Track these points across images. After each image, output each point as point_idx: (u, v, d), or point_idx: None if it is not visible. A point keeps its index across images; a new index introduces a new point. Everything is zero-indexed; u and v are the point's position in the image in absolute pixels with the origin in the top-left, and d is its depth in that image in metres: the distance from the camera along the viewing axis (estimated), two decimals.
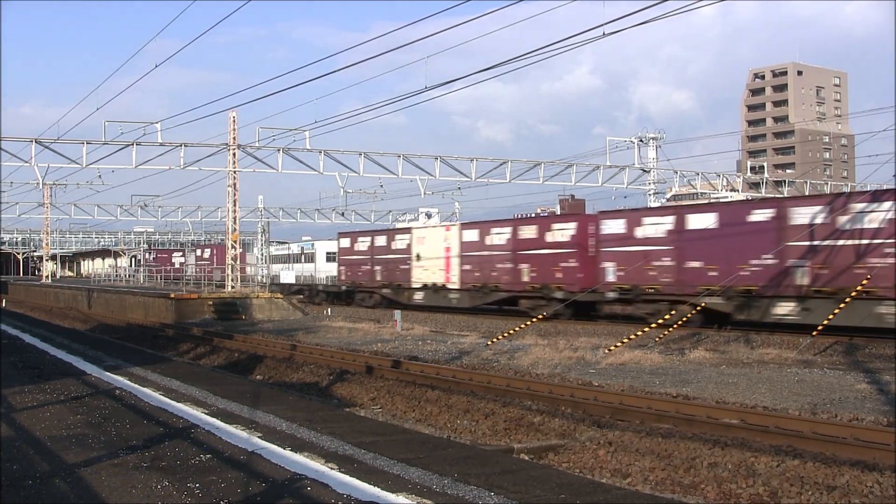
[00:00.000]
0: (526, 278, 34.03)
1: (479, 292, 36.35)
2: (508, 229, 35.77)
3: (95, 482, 6.86)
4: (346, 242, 48.42)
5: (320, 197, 78.32)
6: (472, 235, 37.74)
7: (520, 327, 25.30)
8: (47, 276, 78.30)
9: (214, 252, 70.85)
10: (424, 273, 40.42)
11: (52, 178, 47.72)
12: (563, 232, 32.96)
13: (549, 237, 33.44)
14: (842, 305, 21.95)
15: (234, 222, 41.40)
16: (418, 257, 40.98)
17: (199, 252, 75.73)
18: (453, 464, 7.66)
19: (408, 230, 43.43)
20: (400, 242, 42.94)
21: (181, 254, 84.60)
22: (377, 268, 44.56)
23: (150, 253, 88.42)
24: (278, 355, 21.75)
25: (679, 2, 14.28)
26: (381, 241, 44.76)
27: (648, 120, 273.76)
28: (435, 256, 39.72)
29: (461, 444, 10.66)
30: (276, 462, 7.57)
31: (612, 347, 20.26)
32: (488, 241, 36.50)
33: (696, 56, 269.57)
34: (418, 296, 40.76)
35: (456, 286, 38.21)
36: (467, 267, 37.54)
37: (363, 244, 46.24)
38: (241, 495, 6.51)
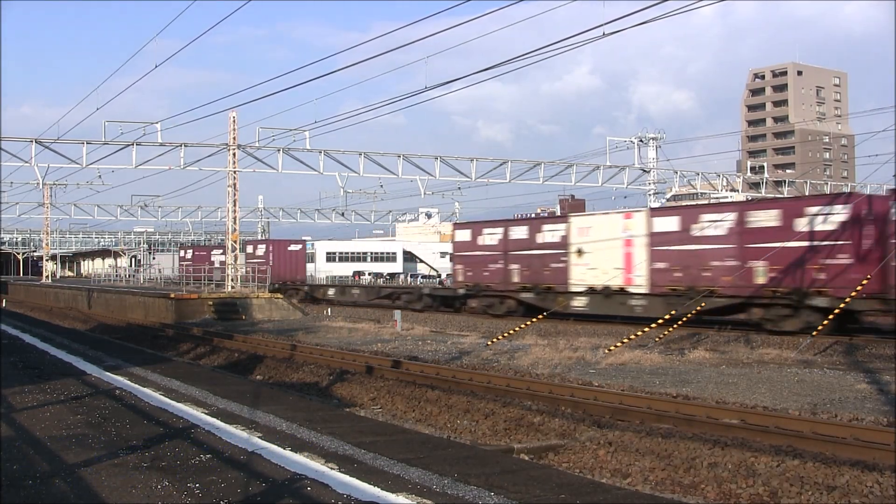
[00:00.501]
0: (762, 279, 26.02)
1: (682, 298, 27.49)
2: (731, 216, 27.65)
3: (95, 482, 6.86)
4: (464, 235, 38.82)
5: (320, 197, 78.66)
6: (668, 224, 29.44)
7: (520, 327, 25.31)
8: (47, 276, 78.32)
9: (271, 249, 60.29)
10: (589, 273, 31.64)
11: (52, 178, 47.88)
12: (826, 218, 24.77)
13: (801, 225, 25.27)
14: None
15: (234, 222, 41.42)
16: (580, 253, 32.19)
17: (249, 249, 63.82)
18: (453, 464, 7.66)
19: (563, 218, 35.04)
20: (550, 234, 34.02)
21: (221, 251, 73.98)
22: (513, 266, 35.32)
23: (186, 251, 77.28)
24: (278, 355, 21.75)
25: (679, 2, 14.28)
26: (519, 232, 35.75)
27: (648, 120, 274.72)
28: (607, 252, 30.92)
29: (461, 444, 10.66)
30: (276, 462, 7.57)
31: (612, 347, 20.27)
32: (696, 231, 28.36)
33: (696, 56, 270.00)
34: (579, 302, 32.00)
35: (642, 290, 29.73)
36: (661, 265, 29.26)
37: (492, 237, 36.94)
38: (241, 495, 6.52)
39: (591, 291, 31.47)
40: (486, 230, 37.56)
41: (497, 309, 35.65)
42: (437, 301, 41.16)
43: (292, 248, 61.25)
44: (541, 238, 34.40)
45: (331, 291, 54.18)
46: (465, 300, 38.55)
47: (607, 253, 30.89)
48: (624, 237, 30.74)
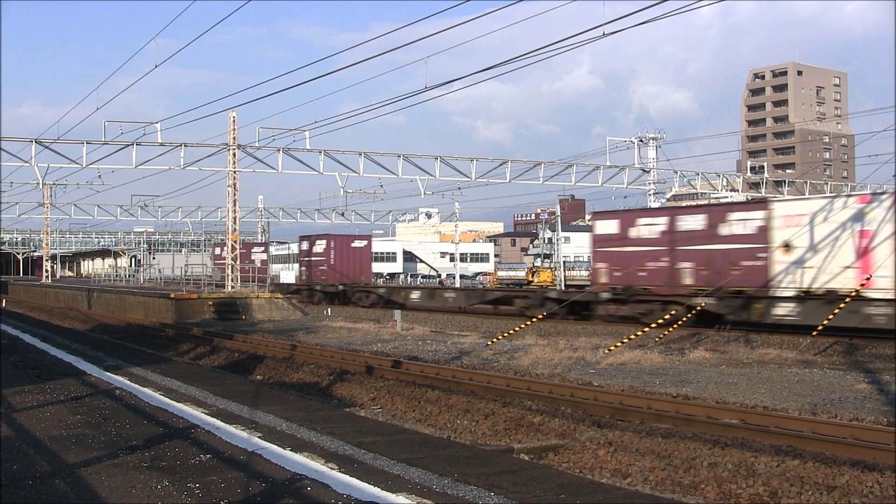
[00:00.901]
0: None
1: None
2: None
3: (95, 482, 6.86)
4: (609, 226, 31.67)
5: (320, 197, 78.40)
6: None
7: (520, 327, 25.31)
8: (47, 276, 78.31)
9: (332, 245, 51.74)
10: (802, 273, 25.10)
11: (52, 178, 47.82)
12: None
13: None
14: None
15: (234, 222, 41.40)
16: (788, 248, 25.60)
17: (305, 245, 54.94)
18: (453, 464, 7.66)
19: (760, 204, 28.24)
20: (740, 224, 27.21)
21: (262, 249, 66.58)
22: (684, 265, 28.46)
23: (222, 248, 67.62)
24: (278, 355, 21.75)
25: (679, 2, 14.27)
26: (692, 222, 28.73)
27: (648, 120, 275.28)
28: (831, 246, 24.50)
29: (461, 444, 10.65)
30: (276, 462, 7.57)
31: (612, 347, 20.26)
32: None
33: (696, 56, 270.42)
34: (786, 309, 25.30)
35: (889, 294, 23.22)
36: None
37: (651, 228, 29.90)
38: (241, 495, 6.52)
39: (805, 296, 24.88)
40: (641, 220, 30.47)
41: (656, 317, 27.24)
42: (566, 307, 32.42)
43: (356, 244, 53.14)
44: (726, 229, 27.54)
45: (415, 295, 44.91)
46: (606, 305, 30.85)
47: (831, 247, 24.39)
48: (856, 227, 24.09)
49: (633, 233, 30.38)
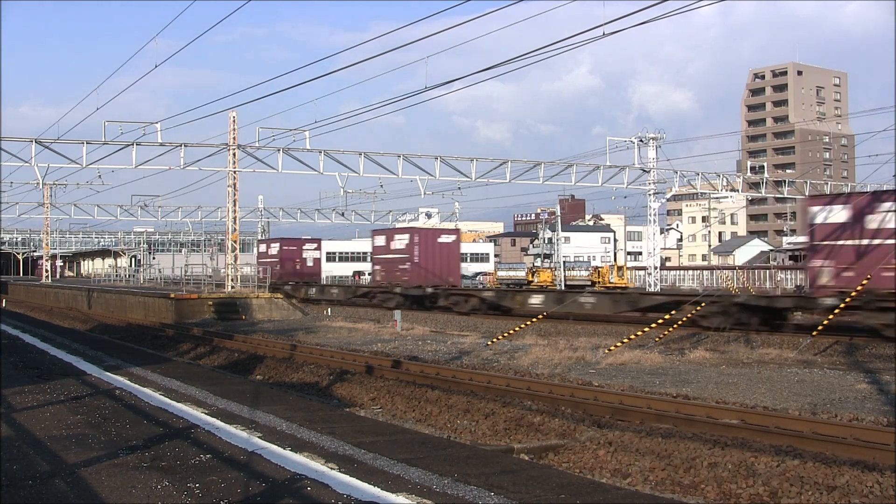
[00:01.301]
0: None
1: None
2: None
3: (95, 482, 6.86)
4: (833, 214, 24.11)
5: (320, 197, 78.26)
6: None
7: (520, 327, 25.30)
8: (47, 276, 78.26)
9: (416, 241, 44.49)
10: None
11: (52, 178, 47.75)
12: None
13: None
14: None
15: (234, 222, 41.40)
16: None
17: (380, 240, 47.46)
18: (453, 464, 7.66)
19: None
20: None
21: (314, 245, 58.80)
22: None
23: (269, 245, 60.57)
24: (278, 355, 21.75)
25: (679, 2, 14.28)
26: None
27: (648, 120, 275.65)
28: None
29: (461, 444, 10.65)
30: (276, 462, 7.57)
31: (612, 347, 20.27)
32: None
33: (696, 56, 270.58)
34: None
35: None
36: None
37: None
38: (241, 495, 6.52)
39: None
40: (887, 205, 22.67)
41: None
42: (762, 315, 24.89)
43: (443, 238, 45.84)
44: None
45: (536, 300, 33.03)
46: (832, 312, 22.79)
47: None
48: None
49: (874, 222, 22.99)
